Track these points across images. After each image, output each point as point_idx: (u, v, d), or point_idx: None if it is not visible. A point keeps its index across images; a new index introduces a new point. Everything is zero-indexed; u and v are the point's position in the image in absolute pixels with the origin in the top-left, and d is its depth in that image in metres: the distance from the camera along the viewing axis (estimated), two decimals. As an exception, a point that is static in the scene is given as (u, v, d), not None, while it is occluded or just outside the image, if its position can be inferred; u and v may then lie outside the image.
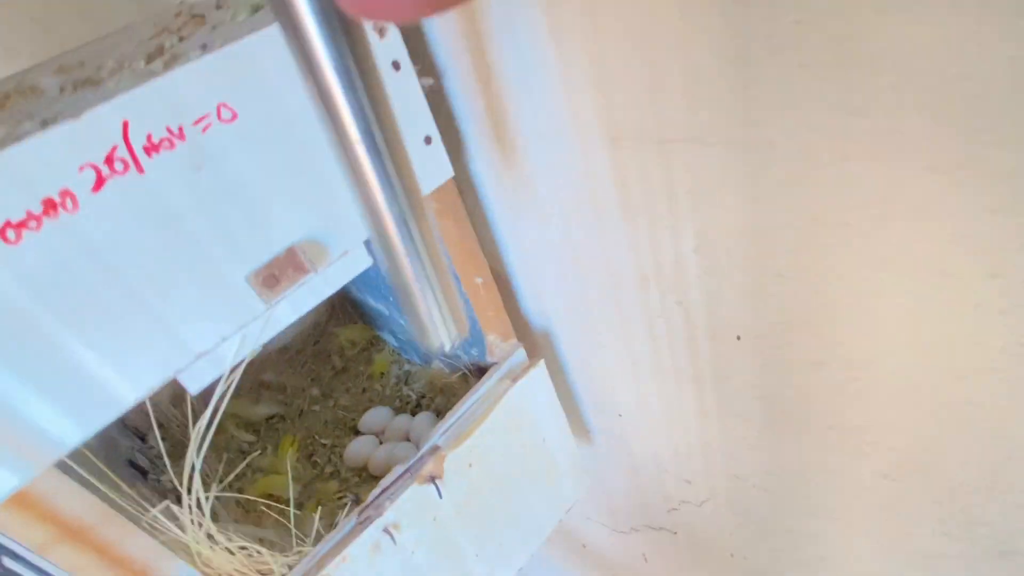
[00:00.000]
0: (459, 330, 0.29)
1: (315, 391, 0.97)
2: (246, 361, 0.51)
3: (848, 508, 0.60)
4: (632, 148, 0.48)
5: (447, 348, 0.29)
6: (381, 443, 0.87)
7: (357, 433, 0.91)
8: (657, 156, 0.47)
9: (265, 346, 1.03)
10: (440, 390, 0.91)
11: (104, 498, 0.45)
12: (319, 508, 0.80)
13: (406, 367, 0.98)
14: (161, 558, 0.48)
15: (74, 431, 0.41)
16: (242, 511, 0.80)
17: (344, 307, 1.04)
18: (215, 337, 0.46)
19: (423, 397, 0.93)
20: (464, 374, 0.84)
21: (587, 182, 0.55)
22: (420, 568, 0.66)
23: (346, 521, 0.61)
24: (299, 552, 0.59)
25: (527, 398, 0.72)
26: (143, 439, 0.87)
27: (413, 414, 0.90)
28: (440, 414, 0.88)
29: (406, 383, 0.96)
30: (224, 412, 0.94)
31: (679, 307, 0.58)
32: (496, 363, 0.73)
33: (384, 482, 0.63)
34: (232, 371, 0.50)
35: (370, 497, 0.63)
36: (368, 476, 0.85)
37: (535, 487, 0.78)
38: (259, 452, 0.90)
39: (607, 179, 0.53)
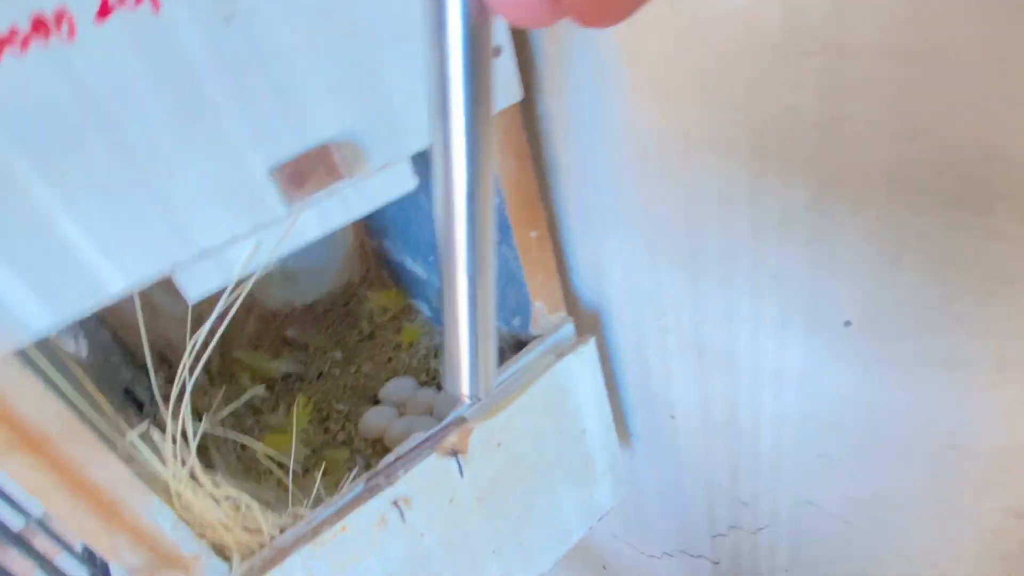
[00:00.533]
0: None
1: (338, 354, 0.91)
2: (254, 277, 0.44)
3: (956, 554, 0.49)
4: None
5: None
6: (400, 415, 0.79)
7: (376, 402, 0.83)
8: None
9: (290, 302, 0.97)
10: (472, 367, 0.83)
11: (76, 411, 0.38)
12: (322, 475, 0.73)
13: (437, 339, 0.90)
14: (133, 491, 0.41)
15: (43, 315, 0.34)
16: (243, 468, 0.73)
17: (379, 269, 0.97)
18: (225, 233, 0.38)
19: (452, 373, 0.85)
20: (501, 350, 0.76)
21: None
22: (428, 555, 0.57)
23: (352, 486, 0.53)
24: (294, 515, 0.51)
25: (572, 378, 0.63)
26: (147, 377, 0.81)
27: (439, 389, 0.82)
28: (469, 392, 0.80)
29: (435, 356, 0.88)
30: (239, 362, 0.88)
31: (774, 282, 0.48)
32: (540, 335, 0.64)
33: (400, 448, 0.55)
34: (239, 286, 0.43)
35: (382, 463, 0.54)
36: (383, 448, 0.77)
37: (567, 484, 0.68)
38: (272, 409, 0.83)
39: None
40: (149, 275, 0.37)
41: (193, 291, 0.40)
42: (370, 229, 0.91)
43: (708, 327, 0.59)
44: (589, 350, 0.64)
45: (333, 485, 0.71)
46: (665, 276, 0.59)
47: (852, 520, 0.57)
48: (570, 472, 0.68)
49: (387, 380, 0.86)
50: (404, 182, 0.46)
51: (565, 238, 0.67)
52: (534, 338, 0.66)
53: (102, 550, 0.42)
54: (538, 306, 0.63)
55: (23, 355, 0.35)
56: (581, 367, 0.64)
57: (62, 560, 0.48)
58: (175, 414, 0.43)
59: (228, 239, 0.39)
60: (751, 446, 0.64)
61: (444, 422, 0.57)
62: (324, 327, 0.94)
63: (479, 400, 0.30)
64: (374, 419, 0.78)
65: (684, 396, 0.67)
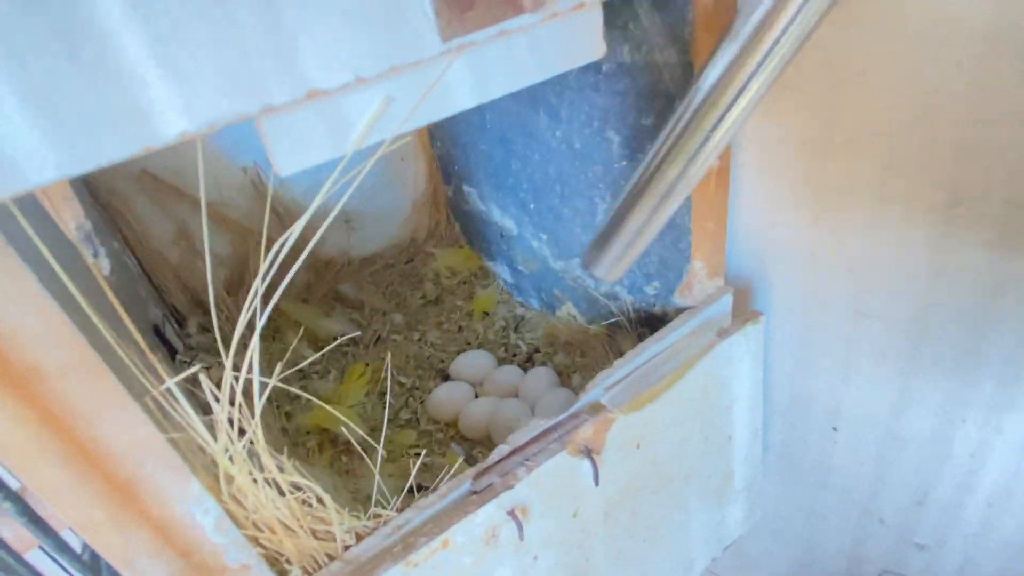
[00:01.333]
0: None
1: (398, 318, 0.76)
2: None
3: None
4: None
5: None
6: (477, 396, 0.65)
7: (446, 378, 0.69)
8: None
9: (346, 251, 0.82)
10: (564, 344, 0.68)
11: (86, 333, 0.24)
12: (384, 460, 0.58)
13: (518, 311, 0.75)
14: (163, 467, 0.26)
15: (58, 155, 0.19)
16: (288, 442, 0.58)
17: (452, 223, 0.82)
18: (348, 69, 0.24)
19: (537, 351, 0.70)
20: (611, 326, 0.60)
21: None
22: (537, 584, 0.43)
23: (453, 484, 0.38)
24: (376, 517, 0.37)
25: (731, 367, 0.48)
26: (180, 324, 0.67)
27: (524, 369, 0.67)
28: (565, 375, 0.65)
29: (515, 330, 0.73)
30: (285, 316, 0.73)
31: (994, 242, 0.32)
32: (692, 308, 0.49)
33: (516, 438, 0.40)
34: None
35: (494, 455, 0.40)
36: (456, 434, 0.62)
37: (701, 502, 0.53)
38: (322, 376, 0.69)
39: None
40: (224, 115, 0.22)
41: (287, 158, 0.26)
42: (448, 171, 0.76)
43: (907, 312, 0.43)
44: (757, 332, 0.49)
45: (400, 472, 0.57)
46: (850, 238, 0.44)
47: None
48: (707, 488, 0.53)
49: (457, 353, 0.71)
50: (592, 45, 0.31)
51: (732, 184, 0.52)
52: (679, 312, 0.51)
53: (109, 553, 0.27)
54: (697, 267, 0.48)
55: (12, 236, 0.21)
56: (744, 354, 0.49)
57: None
58: (236, 367, 0.29)
59: (351, 79, 0.24)
60: (951, 475, 0.49)
61: (575, 407, 0.42)
62: (383, 285, 0.80)
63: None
64: (446, 396, 0.64)
65: (863, 405, 0.52)
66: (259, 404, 0.30)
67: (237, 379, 0.30)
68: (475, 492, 0.38)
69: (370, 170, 0.78)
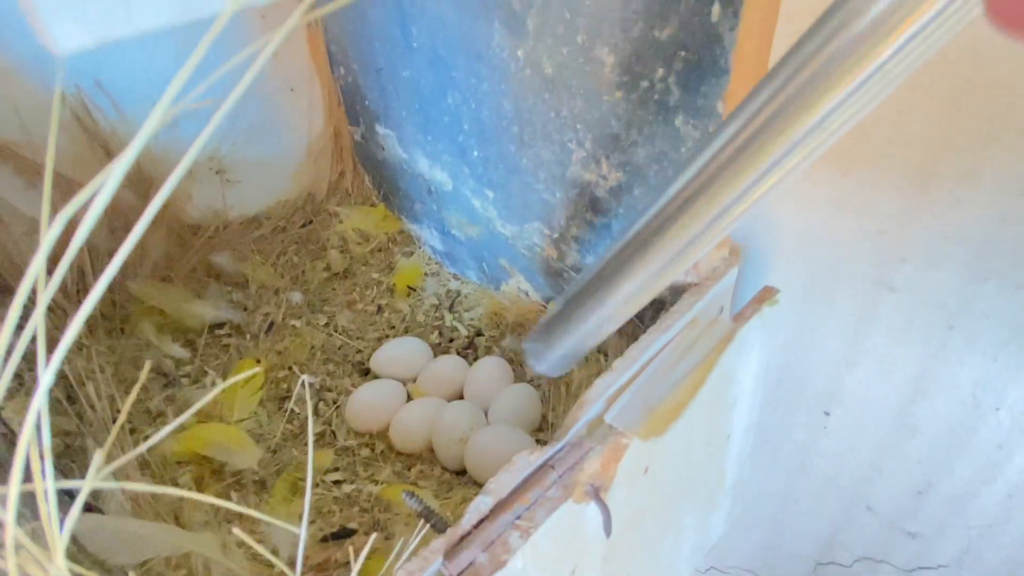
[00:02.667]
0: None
1: (297, 297, 0.60)
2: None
3: None
4: None
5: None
6: (410, 397, 0.52)
7: (366, 374, 0.54)
8: None
9: (220, 213, 0.64)
10: (513, 326, 0.56)
11: None
12: (292, 493, 0.44)
13: (452, 285, 0.61)
14: None
15: None
16: (152, 479, 0.42)
17: (358, 173, 0.66)
18: None
19: (479, 334, 0.57)
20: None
21: None
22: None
23: (413, 568, 0.26)
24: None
25: (742, 358, 0.39)
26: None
27: (466, 358, 0.55)
28: (516, 363, 0.53)
29: (451, 309, 0.60)
30: (138, 301, 0.55)
31: None
32: (697, 285, 0.39)
33: (499, 484, 0.28)
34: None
35: (471, 514, 0.27)
36: (390, 450, 0.49)
37: (695, 514, 0.45)
38: (194, 381, 0.52)
39: None
40: None
41: (66, 22, 0.11)
42: (356, 106, 0.60)
43: (987, 290, 0.36)
44: (774, 314, 0.40)
45: (318, 512, 0.43)
46: (857, 193, 0.36)
47: None
48: (701, 496, 0.44)
49: (379, 341, 0.57)
50: None
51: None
52: (673, 289, 0.41)
53: None
54: (708, 234, 0.37)
55: None
56: (756, 341, 0.40)
57: None
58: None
59: None
60: (960, 458, 0.44)
61: (574, 430, 0.31)
62: (273, 255, 0.63)
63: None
64: (369, 400, 0.50)
65: (869, 389, 0.45)
66: (65, 533, 0.16)
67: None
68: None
69: (248, 105, 0.57)
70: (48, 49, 0.14)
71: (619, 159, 0.38)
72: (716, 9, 0.29)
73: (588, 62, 0.36)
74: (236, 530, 0.21)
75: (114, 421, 0.44)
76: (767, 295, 0.39)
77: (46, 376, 0.14)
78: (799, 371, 0.49)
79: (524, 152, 0.44)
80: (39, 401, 0.14)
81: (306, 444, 0.48)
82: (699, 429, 0.38)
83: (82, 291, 0.51)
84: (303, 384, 0.49)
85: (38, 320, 0.14)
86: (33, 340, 0.14)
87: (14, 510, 0.15)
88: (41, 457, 0.15)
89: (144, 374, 0.30)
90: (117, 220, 0.53)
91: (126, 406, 0.20)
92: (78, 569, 0.19)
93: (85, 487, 0.16)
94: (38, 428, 0.14)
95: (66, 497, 0.19)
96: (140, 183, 0.54)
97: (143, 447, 0.19)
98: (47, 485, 0.15)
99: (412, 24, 0.46)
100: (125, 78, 0.51)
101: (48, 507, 0.15)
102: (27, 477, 0.15)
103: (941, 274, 0.38)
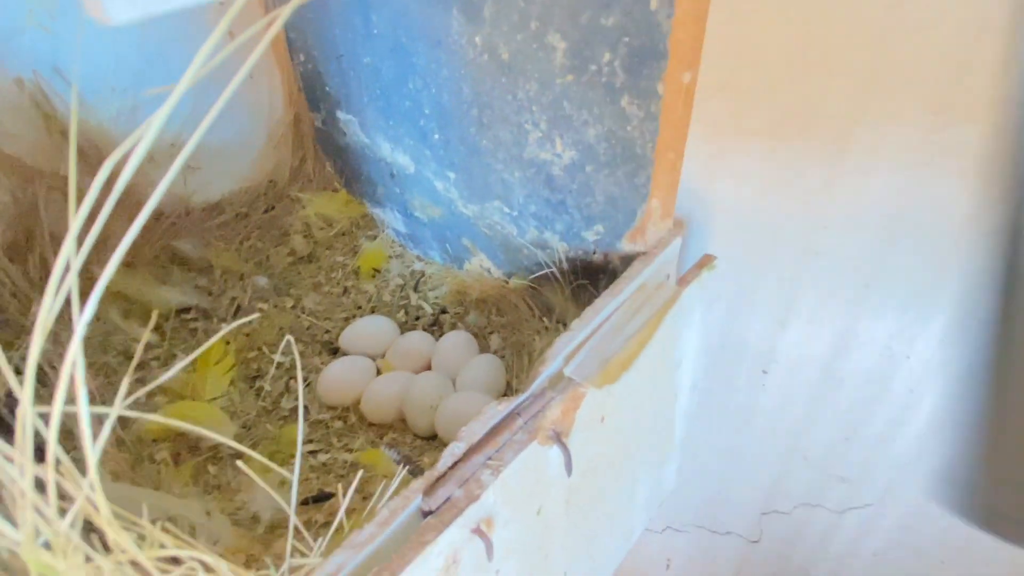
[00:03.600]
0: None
1: (262, 281, 0.61)
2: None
3: None
4: None
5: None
6: (380, 371, 0.54)
7: (335, 352, 0.56)
8: None
9: (183, 199, 0.64)
10: (476, 302, 0.59)
11: None
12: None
13: (416, 266, 0.64)
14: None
15: None
16: (128, 457, 0.43)
17: (319, 159, 0.67)
18: None
19: (444, 312, 0.60)
20: (537, 279, 0.52)
21: None
22: (498, 600, 0.35)
23: (395, 505, 0.28)
24: (295, 571, 0.26)
25: (685, 319, 0.43)
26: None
27: (432, 334, 0.57)
28: (481, 336, 0.56)
29: (415, 288, 0.62)
30: (106, 289, 0.55)
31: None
32: (644, 254, 0.42)
33: (472, 431, 0.31)
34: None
35: (446, 458, 0.30)
36: (362, 421, 0.51)
37: (647, 466, 0.49)
38: (163, 363, 0.53)
39: None
40: None
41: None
42: (316, 93, 0.61)
43: (896, 252, 0.41)
44: (711, 278, 0.44)
45: (291, 482, 0.45)
46: (792, 168, 0.40)
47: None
48: (652, 450, 0.48)
49: (346, 321, 0.59)
50: None
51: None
52: (623, 259, 0.44)
53: None
54: (654, 206, 0.41)
55: None
56: (697, 303, 0.44)
57: None
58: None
59: None
60: (883, 409, 0.49)
61: (537, 382, 0.34)
62: (237, 241, 0.63)
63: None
64: (340, 376, 0.52)
65: (801, 347, 0.50)
66: (96, 447, 0.18)
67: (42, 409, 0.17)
68: (429, 512, 0.29)
69: (209, 92, 0.58)
70: (99, 20, 0.16)
71: (572, 138, 0.41)
72: (654, 0, 0.32)
73: (541, 48, 0.39)
74: (240, 464, 0.23)
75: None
76: (706, 261, 0.43)
77: (83, 317, 0.16)
78: (739, 333, 0.54)
79: (483, 134, 0.47)
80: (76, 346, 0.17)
81: (280, 419, 0.50)
82: (649, 384, 0.42)
83: (44, 277, 0.51)
84: (287, 342, 0.50)
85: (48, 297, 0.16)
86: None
87: (55, 428, 0.17)
88: (75, 386, 0.17)
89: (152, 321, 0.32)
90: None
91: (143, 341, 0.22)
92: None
93: (112, 413, 0.18)
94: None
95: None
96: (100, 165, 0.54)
97: (155, 384, 0.21)
98: (82, 407, 0.17)
99: (373, 12, 0.48)
100: (84, 64, 0.51)
101: (83, 426, 0.17)
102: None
103: (858, 238, 0.42)
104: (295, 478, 0.25)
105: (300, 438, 0.25)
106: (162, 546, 0.21)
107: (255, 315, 0.57)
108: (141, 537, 0.21)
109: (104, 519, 0.18)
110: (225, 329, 0.32)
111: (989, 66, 0.32)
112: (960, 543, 0.52)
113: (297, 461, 0.25)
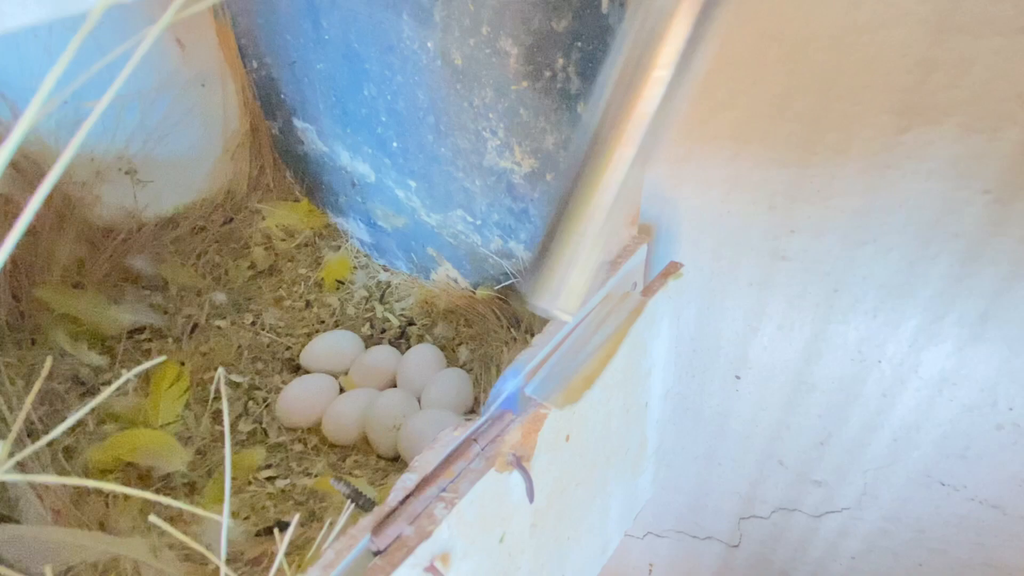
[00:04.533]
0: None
1: (220, 297, 0.59)
2: None
3: None
4: None
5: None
6: (343, 389, 0.52)
7: (297, 370, 0.54)
8: None
9: (134, 214, 0.62)
10: (444, 313, 0.57)
11: None
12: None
13: (382, 276, 0.62)
14: None
15: None
16: (72, 492, 0.41)
17: (279, 168, 0.65)
18: None
19: (411, 324, 0.58)
20: (504, 289, 0.51)
21: None
22: (461, 633, 0.33)
23: (341, 546, 0.27)
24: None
25: (653, 328, 0.42)
26: None
27: (398, 348, 0.55)
28: (449, 349, 0.55)
29: (381, 300, 0.60)
30: (48, 308, 0.52)
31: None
32: (609, 262, 0.41)
33: (424, 461, 0.30)
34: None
35: (396, 491, 0.29)
36: (323, 443, 0.49)
37: (620, 479, 0.47)
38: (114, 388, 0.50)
39: None
40: None
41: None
42: (271, 101, 0.59)
43: (864, 255, 0.40)
44: (679, 286, 0.42)
45: (252, 509, 0.43)
46: (815, 169, 0.39)
47: (1006, 506, 0.44)
48: (625, 462, 0.47)
49: (309, 337, 0.57)
50: None
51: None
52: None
53: None
54: (616, 214, 0.39)
55: None
56: (665, 312, 0.42)
57: None
58: None
59: None
60: (860, 412, 0.48)
61: (495, 405, 0.33)
62: (193, 255, 0.61)
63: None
64: (300, 395, 0.50)
65: (772, 353, 0.49)
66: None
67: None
68: (378, 552, 0.27)
69: (157, 103, 0.56)
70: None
71: (530, 146, 0.40)
72: (605, 2, 0.31)
73: (494, 53, 0.37)
74: (153, 517, 0.21)
75: (29, 434, 0.43)
76: (672, 269, 0.42)
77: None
78: (711, 339, 0.53)
79: (442, 142, 0.45)
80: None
81: (237, 444, 0.48)
82: (616, 397, 0.41)
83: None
84: (219, 379, 0.48)
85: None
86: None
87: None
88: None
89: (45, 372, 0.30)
90: (19, 226, 0.50)
91: (30, 397, 0.20)
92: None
93: (-12, 481, 0.16)
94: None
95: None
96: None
97: (54, 433, 0.19)
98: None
99: (323, 17, 0.46)
100: (19, 75, 0.49)
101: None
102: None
103: (825, 242, 0.41)
104: (224, 526, 0.23)
105: (227, 483, 0.23)
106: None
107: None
108: (46, 604, 0.19)
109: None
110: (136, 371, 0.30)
111: (953, 66, 0.32)
112: (937, 545, 0.51)
113: (226, 506, 0.23)
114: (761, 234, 0.44)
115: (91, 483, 0.20)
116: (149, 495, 0.21)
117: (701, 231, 0.46)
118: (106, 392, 0.21)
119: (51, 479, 0.17)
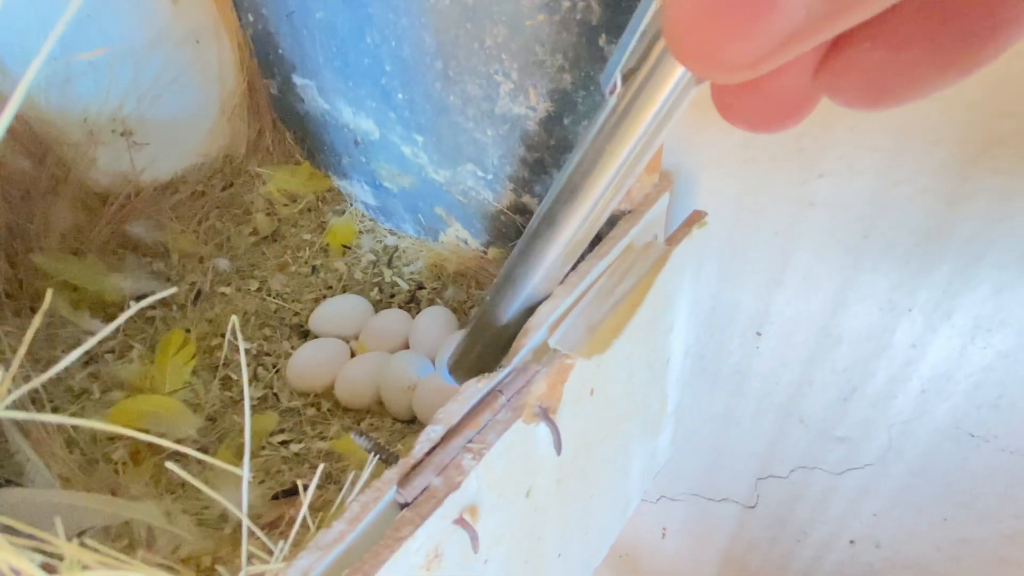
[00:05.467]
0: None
1: (224, 264, 0.57)
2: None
3: None
4: None
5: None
6: (354, 353, 0.51)
7: (306, 336, 0.53)
8: None
9: (131, 179, 0.59)
10: (455, 276, 0.55)
11: None
12: (238, 458, 0.43)
13: (389, 240, 0.60)
14: None
15: None
16: (80, 459, 0.40)
17: (278, 129, 0.63)
18: None
19: (421, 288, 0.56)
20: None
21: None
22: (488, 590, 0.32)
23: (366, 498, 0.25)
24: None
25: (676, 280, 0.40)
26: None
27: (409, 312, 0.54)
28: (461, 312, 0.53)
29: (389, 264, 0.59)
30: (46, 275, 0.51)
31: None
32: (631, 212, 0.39)
33: (450, 412, 0.28)
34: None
35: (422, 443, 0.27)
36: (336, 407, 0.48)
37: (641, 438, 0.46)
38: (119, 356, 0.49)
39: None
40: None
41: None
42: (269, 57, 0.57)
43: (898, 197, 0.38)
44: (703, 236, 0.41)
45: (266, 473, 0.42)
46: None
47: (1039, 455, 0.43)
48: (646, 421, 0.46)
49: (316, 302, 0.55)
50: None
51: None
52: (608, 220, 0.41)
53: None
54: (639, 159, 0.37)
55: None
56: (688, 263, 0.41)
57: None
58: None
59: None
60: (883, 364, 0.47)
61: (520, 355, 0.31)
62: (194, 221, 0.59)
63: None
64: (311, 360, 0.49)
65: (796, 306, 0.48)
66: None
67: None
68: (405, 504, 0.26)
69: (150, 60, 0.53)
70: None
71: (547, 88, 0.38)
72: (631, -82, 0.28)
73: (508, -14, 0.35)
74: (170, 464, 0.20)
75: (33, 401, 0.41)
76: (696, 218, 0.40)
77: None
78: (731, 295, 0.51)
79: (451, 89, 0.43)
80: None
81: (249, 409, 0.46)
82: (640, 351, 0.39)
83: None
84: (232, 326, 0.47)
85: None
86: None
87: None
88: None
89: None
90: (13, 190, 0.48)
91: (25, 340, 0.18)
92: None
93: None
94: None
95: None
96: (35, 148, 0.49)
97: (51, 372, 0.17)
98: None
99: (321, -41, 0.44)
100: (5, 32, 0.46)
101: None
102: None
103: (856, 185, 0.40)
104: (244, 480, 0.22)
105: (248, 431, 0.22)
106: (84, 567, 0.18)
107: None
108: (58, 558, 0.18)
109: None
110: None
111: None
112: (963, 498, 0.50)
113: (246, 459, 0.21)
114: (787, 179, 0.42)
115: (116, 428, 0.18)
116: (170, 444, 0.19)
117: (723, 179, 0.44)
118: (115, 323, 0.20)
119: (54, 418, 0.16)
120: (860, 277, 0.43)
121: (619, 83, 0.21)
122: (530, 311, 0.32)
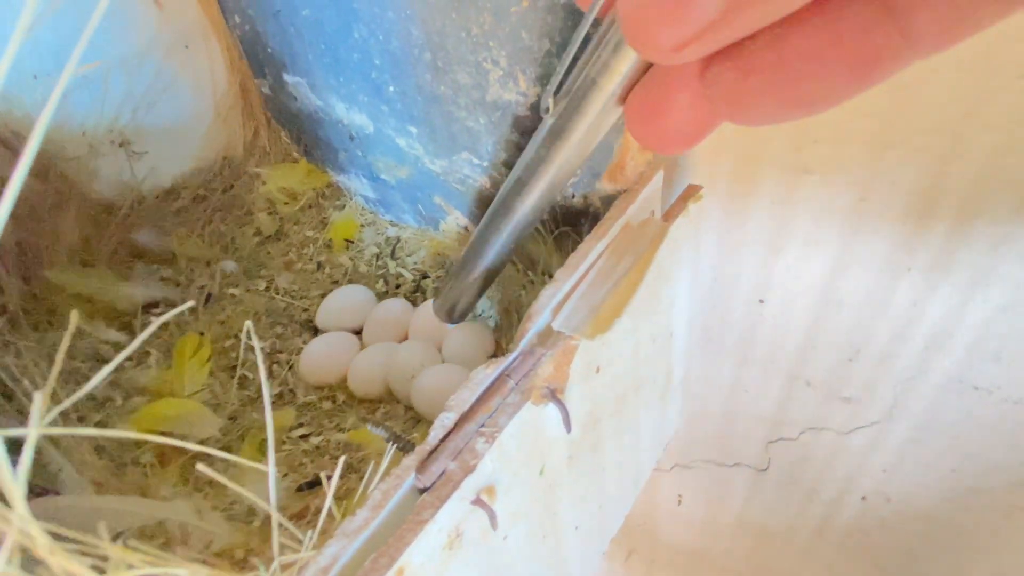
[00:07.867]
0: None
1: (230, 266, 0.58)
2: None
3: None
4: None
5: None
6: (364, 345, 0.52)
7: (316, 332, 0.54)
8: None
9: (132, 187, 0.60)
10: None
11: None
12: (261, 454, 0.44)
13: (391, 232, 0.61)
14: None
15: None
16: (110, 464, 0.41)
17: (273, 128, 0.63)
18: None
19: (425, 277, 0.57)
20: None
21: None
22: (509, 565, 0.34)
23: (387, 486, 0.27)
24: (286, 568, 0.24)
25: (675, 255, 0.41)
26: None
27: (413, 302, 0.55)
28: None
29: (392, 256, 0.59)
30: (59, 289, 0.52)
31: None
32: (626, 191, 0.40)
33: (461, 399, 0.29)
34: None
35: (436, 429, 0.28)
36: (351, 399, 0.49)
37: (649, 410, 0.47)
38: (137, 363, 0.50)
39: None
40: None
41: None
42: (259, 57, 0.57)
43: (892, 158, 0.39)
44: (699, 210, 0.41)
45: (289, 466, 0.43)
46: None
47: (1042, 403, 0.44)
48: (653, 393, 0.47)
49: (323, 297, 0.56)
50: None
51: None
52: (604, 200, 0.42)
53: None
54: (631, 139, 0.38)
55: None
56: (686, 237, 0.41)
57: None
58: None
59: None
60: (887, 324, 0.47)
61: (525, 340, 0.32)
62: (197, 226, 0.60)
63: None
64: (322, 354, 0.50)
65: (797, 273, 0.48)
66: (20, 471, 0.15)
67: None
68: (424, 489, 0.27)
69: (142, 69, 0.54)
70: None
71: (536, 73, 0.38)
72: (609, -101, 0.28)
73: (491, -27, 0.35)
74: (201, 466, 0.21)
75: (61, 414, 0.43)
76: (691, 192, 0.41)
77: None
78: (732, 265, 0.52)
79: (441, 79, 0.43)
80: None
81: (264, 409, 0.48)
82: (643, 327, 0.40)
83: (-6, 287, 0.48)
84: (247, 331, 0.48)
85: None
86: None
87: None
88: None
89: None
90: (20, 207, 0.49)
91: (60, 353, 0.19)
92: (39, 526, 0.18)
93: (31, 434, 0.16)
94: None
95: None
96: (37, 165, 0.50)
97: (88, 386, 0.18)
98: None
99: (304, -43, 0.44)
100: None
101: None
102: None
103: (851, 149, 0.40)
104: (271, 473, 0.23)
105: (270, 426, 0.23)
106: (129, 566, 0.19)
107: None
108: (103, 558, 0.19)
109: (44, 548, 0.16)
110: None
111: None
112: (971, 449, 0.51)
113: (270, 450, 0.22)
114: (782, 147, 0.42)
115: (145, 436, 0.19)
116: (195, 446, 0.20)
117: (718, 150, 0.45)
118: (137, 338, 0.21)
119: (93, 432, 0.17)
120: (858, 240, 0.44)
121: (551, 105, 0.26)
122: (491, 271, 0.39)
